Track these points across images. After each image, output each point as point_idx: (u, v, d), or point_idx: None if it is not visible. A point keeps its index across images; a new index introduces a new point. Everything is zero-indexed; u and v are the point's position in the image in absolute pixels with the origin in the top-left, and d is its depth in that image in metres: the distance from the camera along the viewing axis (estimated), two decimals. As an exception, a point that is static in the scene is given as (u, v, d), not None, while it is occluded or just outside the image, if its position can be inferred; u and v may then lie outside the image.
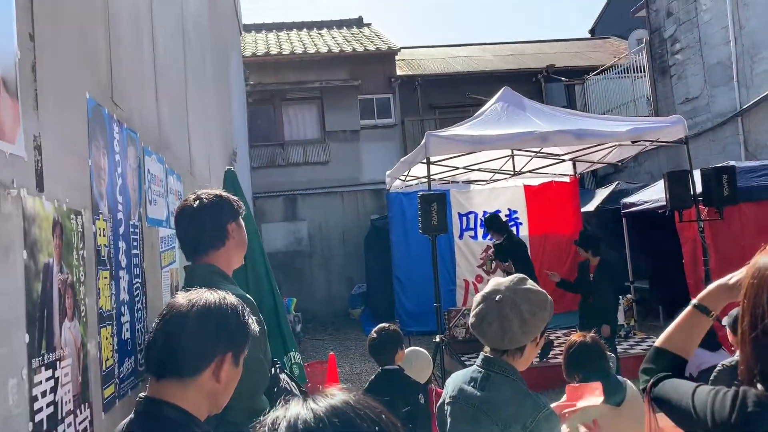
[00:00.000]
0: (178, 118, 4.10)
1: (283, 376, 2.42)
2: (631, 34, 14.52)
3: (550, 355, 7.60)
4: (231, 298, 1.43)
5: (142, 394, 1.36)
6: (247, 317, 1.42)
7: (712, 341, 4.79)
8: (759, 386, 1.19)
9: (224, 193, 2.34)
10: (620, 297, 8.44)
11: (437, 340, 6.12)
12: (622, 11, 16.46)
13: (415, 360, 4.06)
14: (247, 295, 2.20)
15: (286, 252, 13.78)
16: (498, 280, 1.99)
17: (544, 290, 1.96)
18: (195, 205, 2.25)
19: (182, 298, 1.40)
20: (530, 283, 1.95)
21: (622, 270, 9.21)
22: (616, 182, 11.51)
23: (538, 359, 6.99)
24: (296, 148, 14.20)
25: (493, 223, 8.01)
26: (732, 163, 7.61)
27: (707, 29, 10.47)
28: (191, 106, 4.60)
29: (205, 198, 2.26)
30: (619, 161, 8.58)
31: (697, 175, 6.66)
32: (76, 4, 2.17)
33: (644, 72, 12.40)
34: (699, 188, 6.59)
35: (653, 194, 8.38)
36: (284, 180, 13.83)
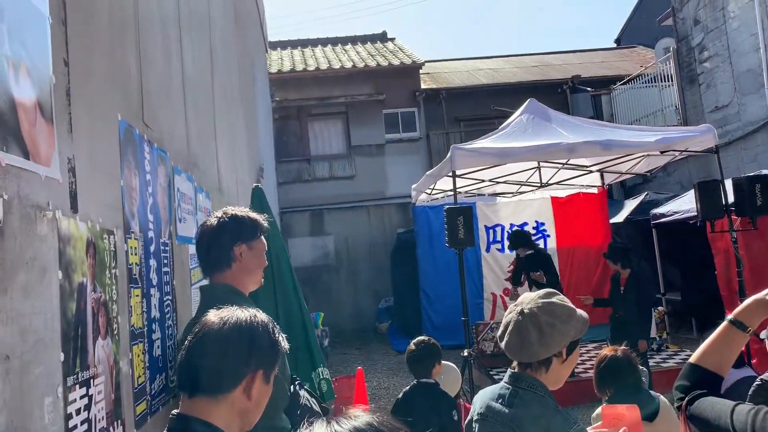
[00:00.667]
0: (206, 136, 4.16)
1: (303, 393, 2.42)
2: (658, 42, 14.37)
3: (580, 369, 7.47)
4: (262, 316, 1.44)
5: (174, 411, 1.38)
6: (277, 335, 1.43)
7: (739, 360, 4.69)
8: None
9: (241, 213, 2.30)
10: (653, 309, 8.29)
11: (465, 354, 6.08)
12: (648, 20, 16.32)
13: (444, 374, 4.04)
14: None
15: (312, 266, 13.84)
16: (527, 294, 1.99)
17: (573, 306, 1.94)
18: (206, 226, 2.29)
19: (214, 315, 1.42)
20: (558, 298, 1.93)
21: (653, 281, 9.05)
22: (645, 193, 11.34)
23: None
24: (322, 163, 14.30)
25: (519, 238, 7.87)
26: (765, 171, 7.47)
27: (736, 36, 10.31)
28: (219, 124, 4.67)
29: (215, 219, 2.27)
30: (647, 171, 8.46)
31: (728, 184, 6.53)
32: (108, 29, 2.23)
33: (672, 81, 12.24)
34: (731, 198, 6.46)
35: (683, 204, 8.25)
36: (310, 195, 13.93)
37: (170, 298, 2.77)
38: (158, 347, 2.54)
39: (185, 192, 3.21)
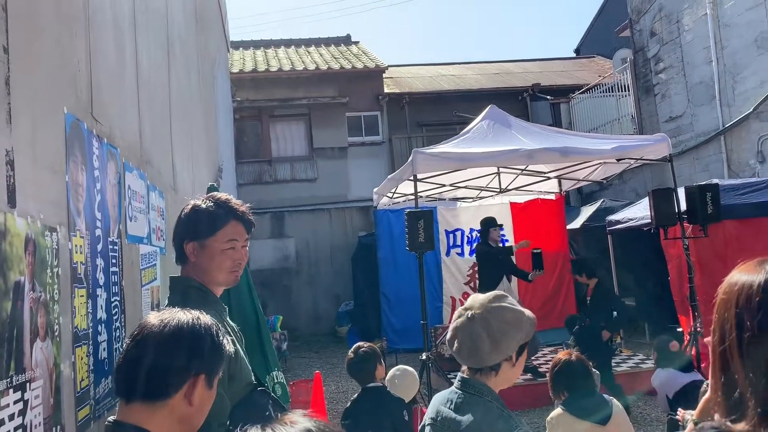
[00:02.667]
0: (161, 133, 4.06)
1: (266, 400, 2.32)
2: (616, 53, 14.69)
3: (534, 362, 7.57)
4: (205, 318, 1.39)
5: (111, 418, 1.32)
6: (221, 338, 1.39)
7: (687, 365, 4.85)
8: (716, 416, 1.17)
9: (204, 206, 2.06)
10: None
11: (423, 357, 6.08)
12: (607, 31, 16.69)
13: (401, 378, 4.02)
14: (225, 315, 2.13)
15: (272, 269, 13.70)
16: (475, 297, 1.96)
17: (522, 309, 1.93)
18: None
19: (154, 317, 1.36)
20: (508, 301, 1.93)
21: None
22: (602, 200, 11.57)
23: (532, 377, 6.97)
24: (284, 164, 14.17)
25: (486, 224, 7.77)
26: (715, 181, 7.68)
27: (690, 49, 10.62)
28: (175, 121, 4.57)
29: (184, 209, 2.11)
30: (604, 179, 8.63)
31: (681, 192, 6.70)
32: (54, 16, 2.14)
33: (629, 91, 12.54)
34: (683, 206, 6.63)
35: (638, 212, 8.42)
36: (271, 197, 13.78)
37: (118, 299, 2.68)
38: (104, 349, 2.45)
39: (137, 190, 3.12)
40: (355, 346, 3.64)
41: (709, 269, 6.92)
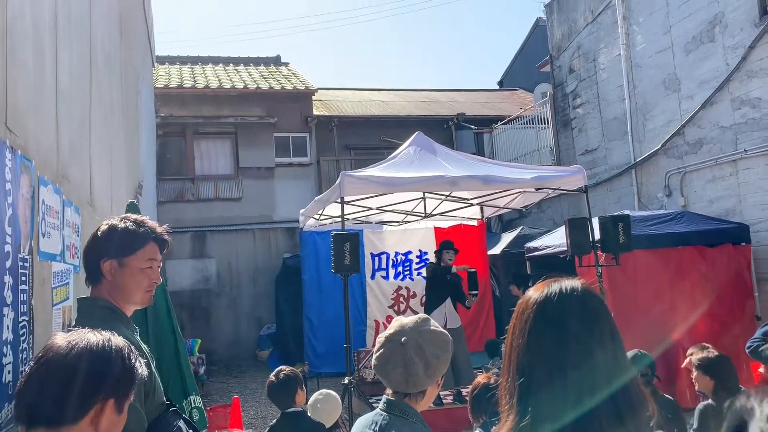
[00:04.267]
0: (80, 147, 3.91)
1: (180, 424, 2.27)
2: (537, 87, 15.37)
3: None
4: (117, 340, 1.34)
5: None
6: (133, 360, 1.33)
7: None
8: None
9: (122, 225, 2.10)
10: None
11: (346, 381, 6.05)
12: (529, 66, 17.45)
13: (324, 402, 3.99)
14: (136, 336, 2.08)
15: (192, 291, 13.30)
16: (402, 321, 1.97)
17: (443, 329, 1.97)
18: (91, 234, 2.14)
19: (61, 339, 1.30)
20: (433, 324, 1.96)
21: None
22: (521, 227, 11.98)
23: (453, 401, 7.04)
24: (207, 183, 13.87)
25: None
26: (627, 212, 8.11)
27: (605, 87, 11.25)
28: (95, 135, 4.41)
29: (98, 228, 2.12)
30: (523, 207, 8.94)
31: (595, 222, 7.03)
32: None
33: (548, 124, 13.11)
34: (597, 235, 6.95)
35: (555, 239, 8.75)
36: (194, 216, 13.44)
37: (27, 318, 2.54)
38: (9, 372, 2.31)
39: (51, 205, 2.98)
40: (276, 369, 3.60)
41: (621, 296, 7.27)
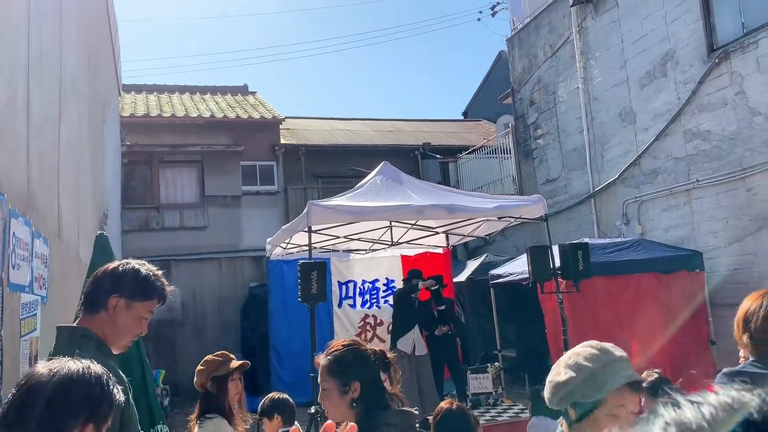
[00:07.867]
0: (48, 179, 3.94)
1: None
2: (499, 118, 15.75)
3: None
4: (96, 367, 1.39)
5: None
6: (112, 387, 1.39)
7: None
8: None
9: (145, 272, 2.15)
10: (488, 365, 8.95)
11: (312, 411, 6.06)
12: (492, 97, 17.87)
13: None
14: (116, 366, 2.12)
15: (156, 321, 12.97)
16: None
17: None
18: (107, 267, 2.16)
19: (42, 366, 1.36)
20: None
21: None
22: (486, 254, 12.18)
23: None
24: (173, 211, 13.77)
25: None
26: (586, 240, 8.37)
27: (564, 119, 11.63)
28: (63, 166, 4.44)
29: (119, 263, 2.17)
30: (487, 235, 9.14)
31: (556, 250, 7.24)
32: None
33: (510, 154, 13.44)
34: (558, 262, 7.16)
35: (518, 267, 8.94)
36: (159, 245, 13.28)
37: (-4, 350, 2.56)
38: (-22, 404, 2.33)
39: (21, 237, 3.02)
40: (270, 395, 3.73)
41: (581, 322, 7.47)
